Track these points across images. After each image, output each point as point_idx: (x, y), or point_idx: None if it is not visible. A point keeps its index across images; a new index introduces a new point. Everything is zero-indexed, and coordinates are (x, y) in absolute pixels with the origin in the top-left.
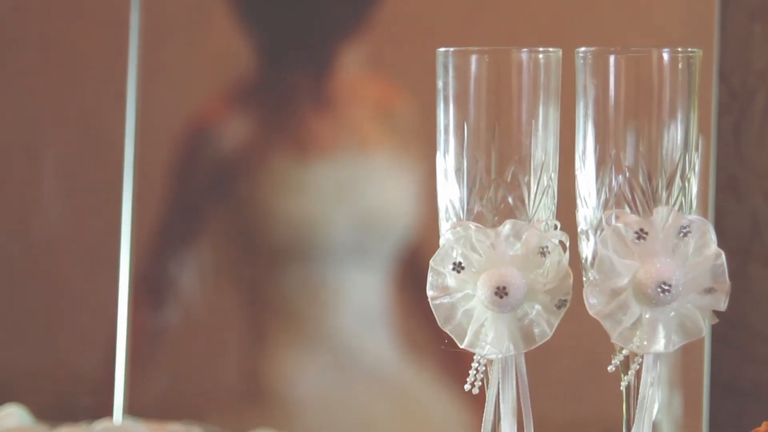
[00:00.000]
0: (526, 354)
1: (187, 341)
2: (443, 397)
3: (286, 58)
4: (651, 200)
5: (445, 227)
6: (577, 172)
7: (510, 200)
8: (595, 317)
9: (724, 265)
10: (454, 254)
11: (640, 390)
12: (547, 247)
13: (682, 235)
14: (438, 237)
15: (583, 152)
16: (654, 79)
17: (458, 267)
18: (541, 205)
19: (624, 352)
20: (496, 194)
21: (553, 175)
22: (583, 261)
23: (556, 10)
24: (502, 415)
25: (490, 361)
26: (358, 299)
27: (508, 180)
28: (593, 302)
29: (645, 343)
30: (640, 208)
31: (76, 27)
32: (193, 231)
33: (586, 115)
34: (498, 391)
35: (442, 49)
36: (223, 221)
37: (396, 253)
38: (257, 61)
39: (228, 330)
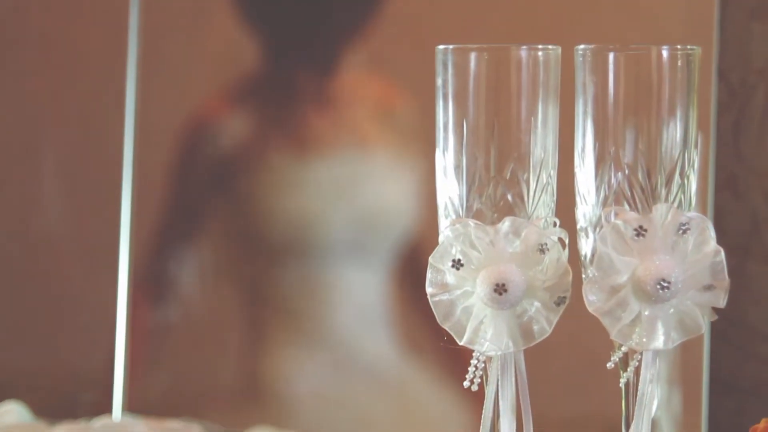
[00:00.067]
0: (525, 351)
1: (187, 339)
2: (442, 395)
3: (287, 56)
4: (650, 197)
5: (444, 224)
6: (577, 170)
7: (509, 197)
8: (594, 314)
9: (723, 263)
10: (454, 251)
11: (639, 387)
12: (546, 244)
13: (681, 232)
14: (437, 235)
15: (583, 149)
16: (653, 77)
17: (457, 264)
18: (541, 202)
19: (623, 349)
20: (496, 191)
21: (552, 172)
22: (583, 258)
23: (555, 8)
24: (501, 412)
25: (489, 358)
26: (357, 297)
27: (508, 177)
28: (592, 299)
29: (644, 340)
30: (639, 206)
31: (76, 27)
32: (192, 230)
33: (585, 112)
34: (497, 388)
35: (441, 47)
36: (223, 220)
37: (395, 251)
38: (258, 60)
39: (227, 328)
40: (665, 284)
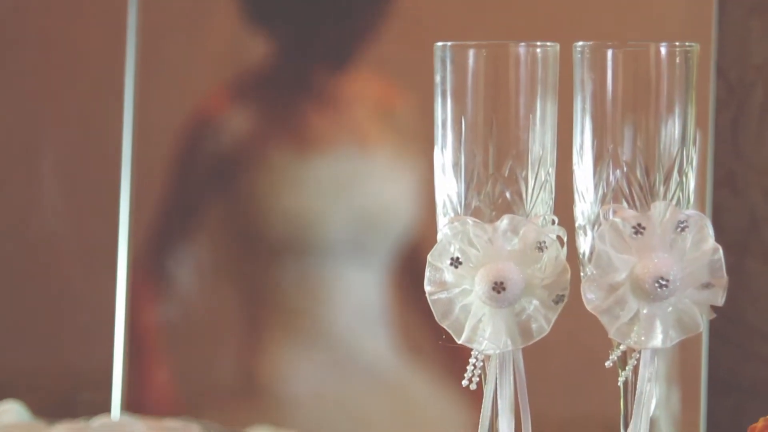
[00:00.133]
0: (523, 349)
1: (186, 338)
2: (441, 393)
3: (288, 55)
4: (648, 195)
5: (442, 222)
6: (575, 167)
7: (507, 195)
8: (593, 312)
9: (722, 260)
10: (452, 249)
11: (637, 385)
12: (544, 242)
13: (679, 230)
14: (436, 234)
15: (581, 147)
16: (651, 74)
17: (456, 262)
18: (539, 200)
19: (621, 347)
20: (494, 189)
21: (550, 169)
22: (581, 256)
23: (553, 5)
24: (499, 411)
25: (488, 357)
26: (356, 296)
27: (506, 175)
28: (591, 297)
29: (642, 338)
30: (637, 203)
31: (75, 27)
32: (191, 229)
33: (583, 109)
34: (495, 387)
35: (439, 44)
36: (222, 219)
37: (394, 250)
38: (257, 58)
39: (226, 327)
40: (663, 282)
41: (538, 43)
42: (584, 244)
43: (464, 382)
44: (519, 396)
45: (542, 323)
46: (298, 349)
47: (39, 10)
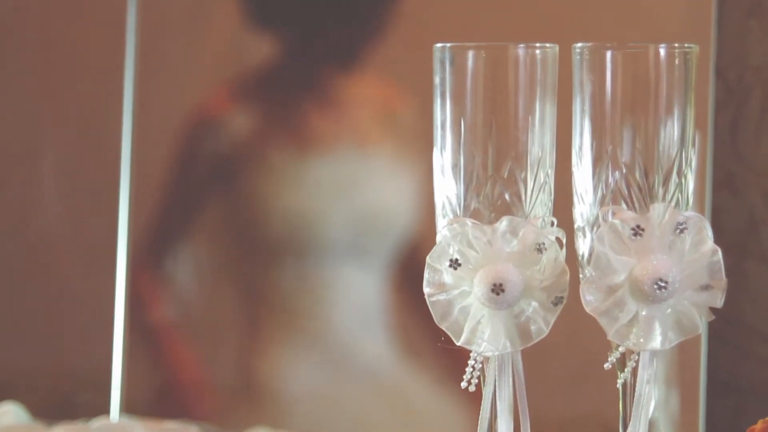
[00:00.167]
0: (522, 351)
1: (185, 339)
2: (440, 395)
3: (290, 56)
4: (647, 197)
5: (441, 224)
6: (574, 169)
7: (507, 197)
8: (592, 314)
9: (721, 262)
10: (451, 251)
11: (636, 387)
12: (543, 243)
13: (678, 231)
14: (436, 235)
15: (580, 148)
16: (651, 75)
17: (455, 264)
18: (538, 201)
19: (620, 349)
20: (493, 191)
21: (549, 171)
22: (580, 258)
23: (552, 6)
24: (498, 413)
25: (487, 359)
26: (355, 297)
27: (505, 176)
28: (590, 299)
29: (641, 340)
30: (636, 205)
31: (75, 27)
32: (190, 229)
33: (582, 111)
34: (494, 389)
35: (438, 45)
36: (221, 219)
37: (394, 251)
38: (258, 59)
39: (225, 328)
40: (662, 284)
41: (538, 45)
42: (583, 246)
43: (463, 384)
44: (518, 398)
45: (541, 325)
46: (296, 349)
47: (39, 10)
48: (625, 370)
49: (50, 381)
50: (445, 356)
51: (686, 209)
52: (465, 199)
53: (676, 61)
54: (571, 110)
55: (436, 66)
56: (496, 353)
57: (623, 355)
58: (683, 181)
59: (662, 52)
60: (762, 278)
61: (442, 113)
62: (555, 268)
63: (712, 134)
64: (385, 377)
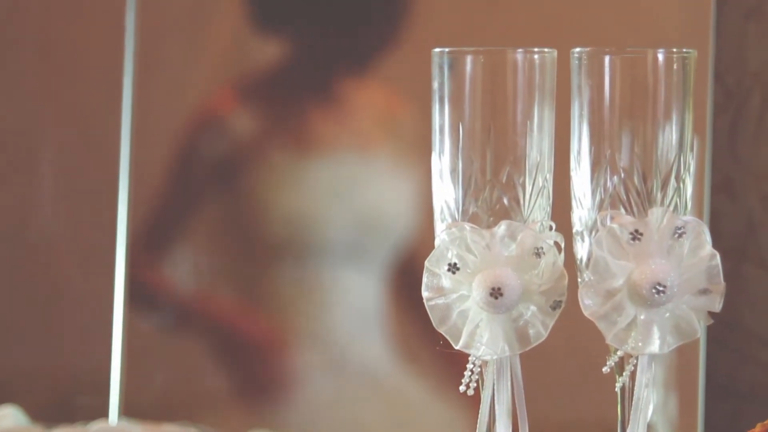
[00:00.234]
0: (521, 355)
1: (183, 341)
2: (438, 399)
3: (292, 58)
4: (646, 201)
5: (440, 228)
6: (572, 173)
7: (505, 201)
8: (590, 318)
9: (719, 266)
10: (449, 255)
11: (635, 391)
12: (542, 248)
13: (677, 236)
14: (434, 239)
15: (578, 153)
16: (649, 80)
17: (453, 268)
18: (536, 205)
19: (619, 353)
20: (492, 195)
21: (548, 175)
22: (578, 262)
23: (551, 11)
24: (497, 417)
25: (485, 363)
26: (353, 300)
27: (504, 181)
28: (588, 303)
29: (640, 344)
30: (635, 209)
31: (74, 27)
32: (189, 230)
33: (581, 115)
34: (493, 393)
35: (437, 50)
36: (221, 219)
37: (392, 254)
38: (259, 60)
39: (224, 329)
40: (661, 288)
41: (536, 50)
42: (582, 250)
43: (462, 388)
44: (516, 401)
45: (540, 329)
46: (295, 351)
47: (39, 10)
48: (624, 373)
49: (49, 384)
50: (443, 360)
51: (685, 213)
52: (463, 204)
53: (675, 66)
54: (569, 115)
55: (435, 71)
56: (495, 357)
57: (622, 359)
58: (681, 185)
59: (660, 57)
60: (760, 282)
61: (441, 118)
62: (553, 273)
63: (711, 138)
64: (383, 380)
